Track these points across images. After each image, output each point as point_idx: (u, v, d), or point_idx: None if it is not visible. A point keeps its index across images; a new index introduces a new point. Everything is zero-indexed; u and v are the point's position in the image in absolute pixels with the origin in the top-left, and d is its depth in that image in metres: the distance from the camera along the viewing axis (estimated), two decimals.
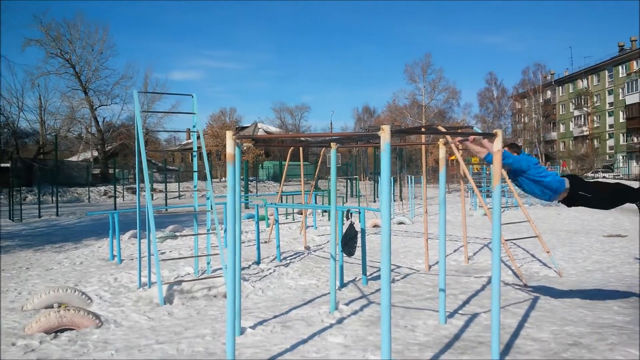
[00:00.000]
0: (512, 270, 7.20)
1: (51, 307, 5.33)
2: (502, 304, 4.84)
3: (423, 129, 7.68)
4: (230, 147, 3.73)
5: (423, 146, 8.60)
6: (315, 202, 15.27)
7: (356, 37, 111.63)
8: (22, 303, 5.70)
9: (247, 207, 18.66)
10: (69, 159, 45.02)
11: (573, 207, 5.27)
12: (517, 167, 5.05)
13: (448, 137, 6.20)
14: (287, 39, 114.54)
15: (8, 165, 28.02)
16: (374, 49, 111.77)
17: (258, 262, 8.04)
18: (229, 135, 3.74)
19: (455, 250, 9.02)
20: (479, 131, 11.33)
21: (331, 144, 5.39)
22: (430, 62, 52.45)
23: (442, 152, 4.92)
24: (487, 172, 19.01)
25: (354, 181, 26.74)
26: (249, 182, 29.85)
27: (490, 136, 4.00)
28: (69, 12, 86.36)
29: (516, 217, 12.92)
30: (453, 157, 15.49)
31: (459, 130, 9.13)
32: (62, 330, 4.59)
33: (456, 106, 60.04)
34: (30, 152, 38.05)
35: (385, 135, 3.11)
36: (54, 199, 22.38)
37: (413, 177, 18.79)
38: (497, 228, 3.74)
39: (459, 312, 5.18)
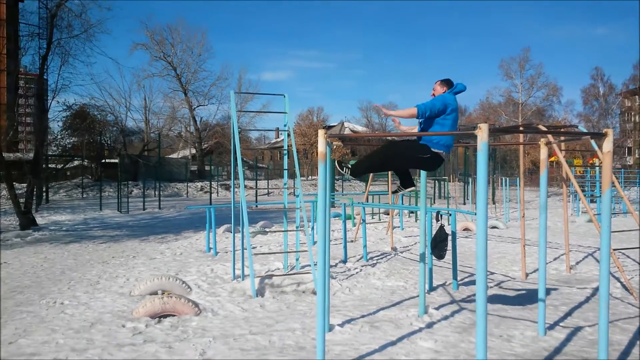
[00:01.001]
0: (620, 282, 6.60)
1: (155, 293, 5.75)
2: (610, 318, 4.45)
3: (522, 128, 7.24)
4: (322, 146, 3.76)
5: (521, 146, 8.14)
6: (402, 203, 15.06)
7: (447, 34, 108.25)
8: (129, 288, 6.20)
9: (333, 206, 18.86)
10: (169, 156, 48.28)
11: None
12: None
13: (549, 136, 5.83)
14: (375, 38, 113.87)
15: (116, 161, 30.58)
16: (466, 45, 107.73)
17: (345, 261, 8.09)
18: (321, 133, 3.77)
19: (555, 259, 8.45)
20: (584, 130, 10.51)
21: None
22: (528, 57, 49.53)
23: (543, 152, 4.64)
24: (592, 175, 17.61)
25: (443, 182, 26.02)
26: (335, 181, 30.12)
27: (600, 136, 3.70)
28: (171, 17, 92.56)
29: (625, 225, 11.85)
30: (553, 158, 14.55)
31: (562, 130, 8.52)
32: (165, 316, 4.93)
33: (557, 104, 55.50)
34: (136, 149, 41.23)
35: (482, 135, 2.99)
36: (157, 193, 24.11)
37: (508, 179, 17.90)
38: (606, 236, 3.46)
39: (560, 324, 4.85)
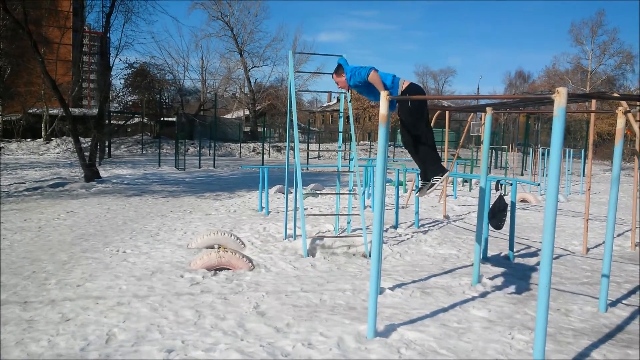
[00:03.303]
0: None
1: (211, 247, 5.94)
2: None
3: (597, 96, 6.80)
4: (383, 108, 3.68)
5: (592, 115, 7.67)
6: (456, 171, 14.71)
7: None
8: (187, 241, 6.44)
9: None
10: (224, 117, 49.15)
11: None
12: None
13: (625, 105, 5.43)
14: None
15: (174, 119, 31.40)
16: (535, 7, 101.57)
17: (396, 227, 8.03)
18: (384, 95, 3.69)
19: (619, 235, 8.04)
20: None
21: (487, 108, 5.07)
22: (602, 22, 46.07)
23: (620, 122, 4.32)
24: None
25: (500, 152, 25.15)
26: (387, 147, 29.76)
27: None
28: None
29: None
30: (628, 131, 13.71)
31: None
32: (221, 269, 5.10)
33: (630, 72, 51.49)
34: (193, 109, 42.20)
35: (560, 99, 2.81)
36: (211, 152, 24.73)
37: (572, 150, 17.04)
38: None
39: (623, 301, 4.63)
